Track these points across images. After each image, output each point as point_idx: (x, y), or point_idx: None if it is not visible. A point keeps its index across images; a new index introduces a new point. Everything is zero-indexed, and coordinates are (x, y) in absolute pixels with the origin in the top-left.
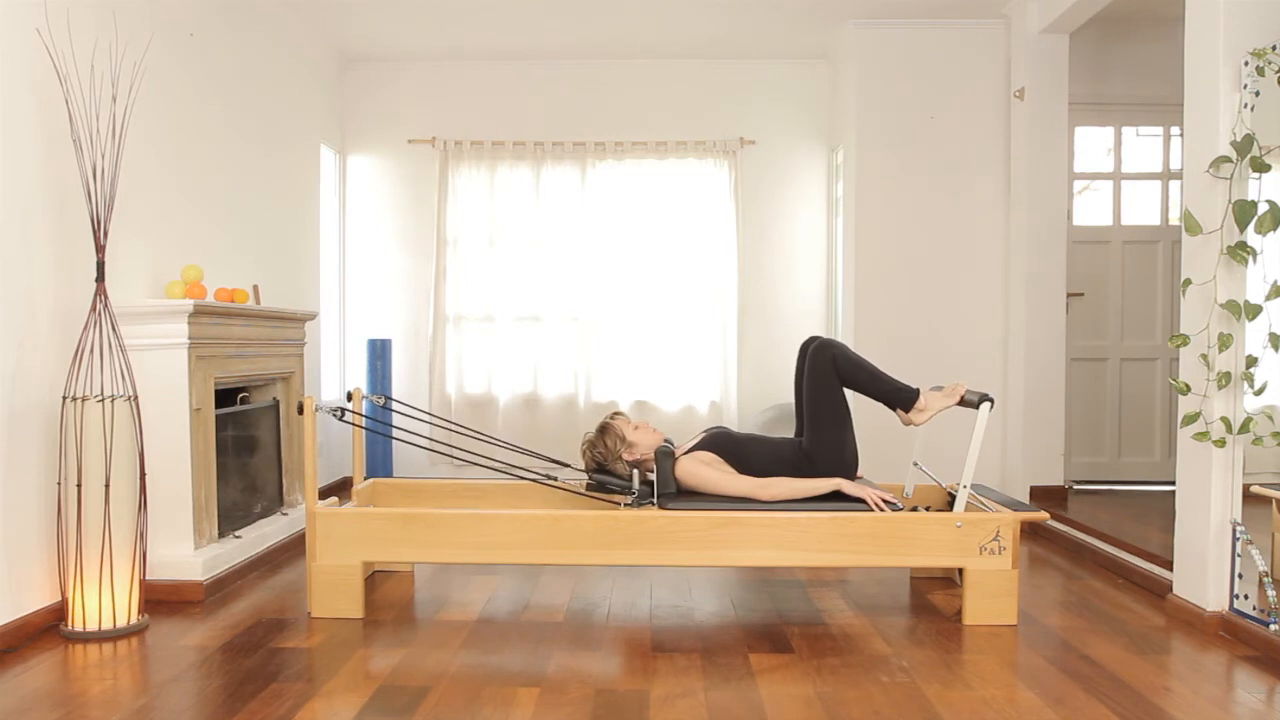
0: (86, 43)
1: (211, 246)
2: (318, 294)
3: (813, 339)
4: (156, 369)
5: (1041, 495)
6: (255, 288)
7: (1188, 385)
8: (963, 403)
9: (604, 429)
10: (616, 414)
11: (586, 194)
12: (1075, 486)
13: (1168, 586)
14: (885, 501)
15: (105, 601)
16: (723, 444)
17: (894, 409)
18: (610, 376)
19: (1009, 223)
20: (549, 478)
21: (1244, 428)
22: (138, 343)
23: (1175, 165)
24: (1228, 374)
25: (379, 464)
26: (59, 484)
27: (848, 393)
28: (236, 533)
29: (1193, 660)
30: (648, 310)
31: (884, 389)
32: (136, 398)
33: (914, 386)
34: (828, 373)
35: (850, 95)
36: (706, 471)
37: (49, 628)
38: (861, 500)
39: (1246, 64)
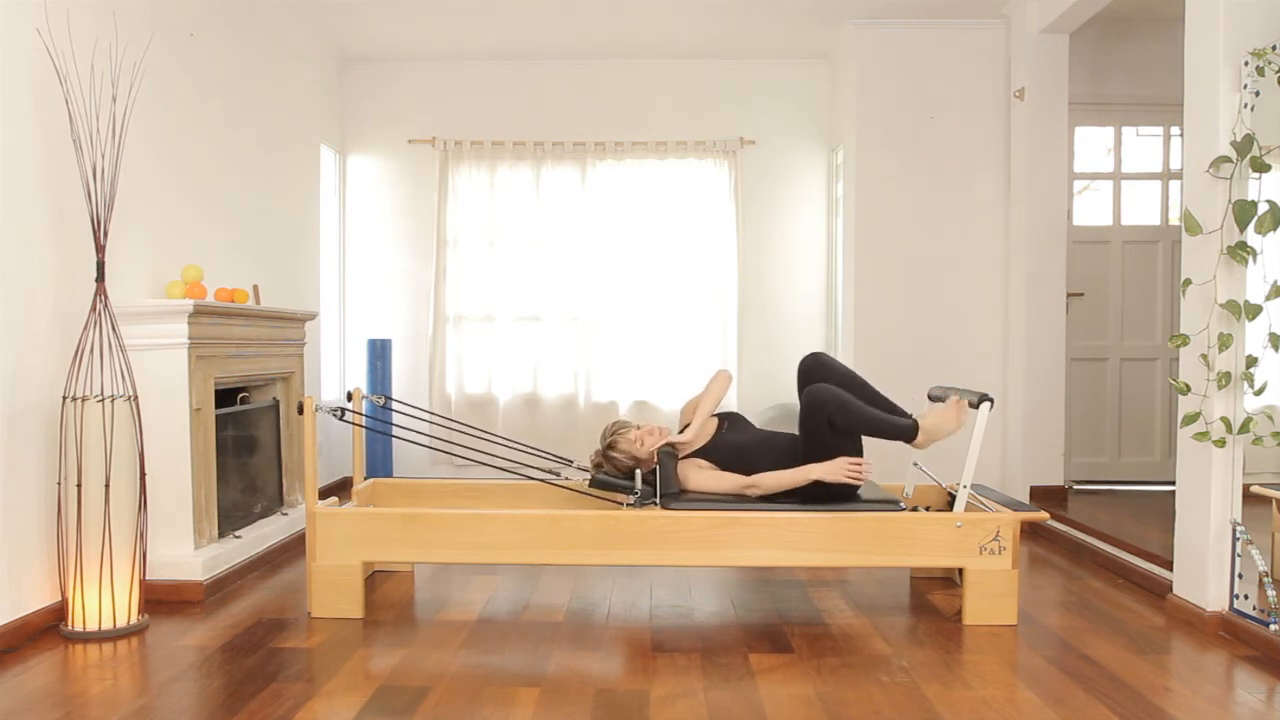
0: (86, 43)
1: (211, 246)
2: (318, 294)
3: (813, 367)
4: (156, 369)
5: (1041, 495)
6: (255, 288)
7: (1188, 385)
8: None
9: (611, 448)
10: (620, 429)
11: (586, 194)
12: (1075, 486)
13: (1168, 586)
14: (856, 470)
15: (105, 601)
16: (724, 457)
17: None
18: (610, 376)
19: (1009, 223)
20: (553, 474)
21: (1244, 428)
22: (138, 343)
23: (1175, 165)
24: (1228, 374)
25: (379, 464)
26: (59, 484)
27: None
28: (236, 533)
29: (1193, 660)
30: (648, 310)
31: (883, 432)
32: (136, 398)
33: (910, 421)
34: (820, 426)
35: (850, 95)
36: (698, 476)
37: (49, 628)
38: (844, 483)
39: (1246, 64)
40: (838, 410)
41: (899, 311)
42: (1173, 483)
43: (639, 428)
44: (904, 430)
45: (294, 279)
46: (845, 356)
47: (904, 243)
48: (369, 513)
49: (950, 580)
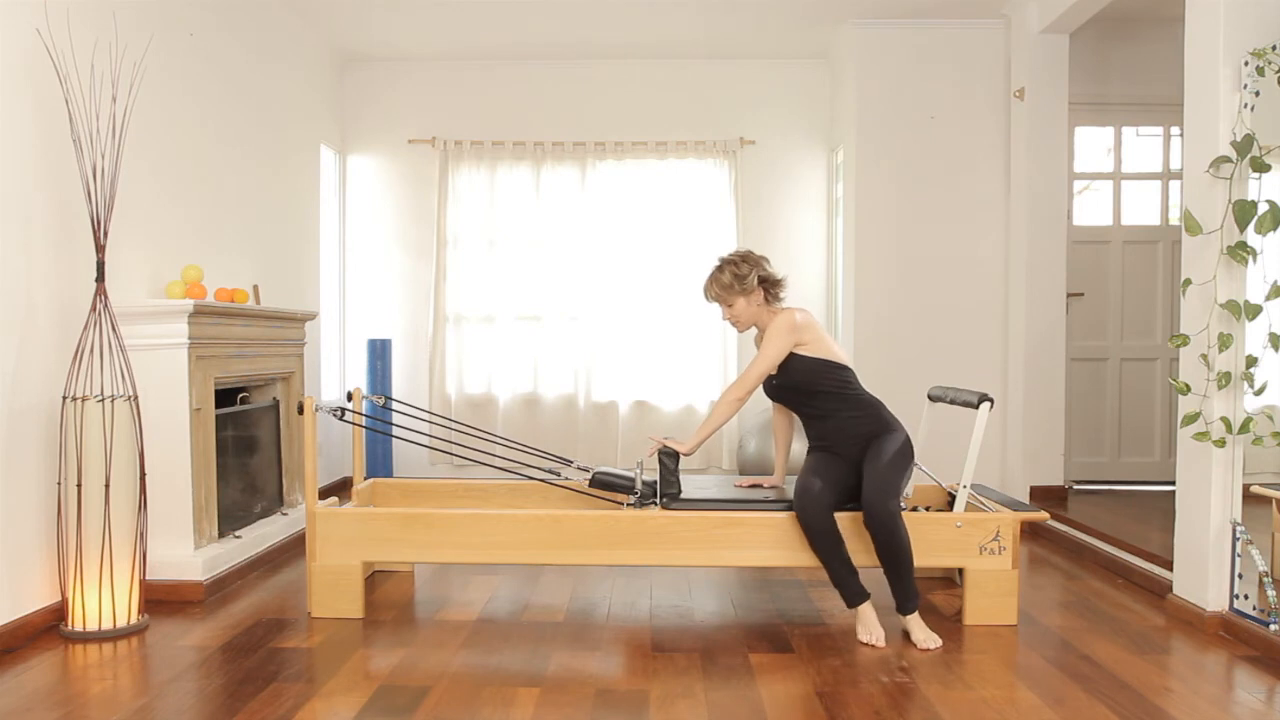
0: (86, 43)
1: (211, 246)
2: (318, 294)
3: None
4: (156, 369)
5: (1041, 495)
6: (255, 288)
7: (1188, 385)
8: (963, 403)
9: (749, 258)
10: (728, 290)
11: (586, 194)
12: (1075, 486)
13: (1168, 586)
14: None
15: (105, 601)
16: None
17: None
18: (610, 376)
19: (1009, 223)
20: (553, 474)
21: (1244, 428)
22: (138, 343)
23: (1175, 165)
24: (1228, 374)
25: (379, 464)
26: (59, 484)
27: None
28: (236, 533)
29: (1193, 660)
30: (648, 310)
31: (832, 578)
32: (136, 398)
33: (861, 591)
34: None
35: (850, 95)
36: (772, 346)
37: (49, 628)
38: None
39: (1246, 64)
40: (811, 535)
41: (899, 311)
42: (1173, 483)
43: (732, 306)
44: (843, 594)
45: (294, 279)
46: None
47: (904, 243)
48: (369, 513)
49: (950, 580)
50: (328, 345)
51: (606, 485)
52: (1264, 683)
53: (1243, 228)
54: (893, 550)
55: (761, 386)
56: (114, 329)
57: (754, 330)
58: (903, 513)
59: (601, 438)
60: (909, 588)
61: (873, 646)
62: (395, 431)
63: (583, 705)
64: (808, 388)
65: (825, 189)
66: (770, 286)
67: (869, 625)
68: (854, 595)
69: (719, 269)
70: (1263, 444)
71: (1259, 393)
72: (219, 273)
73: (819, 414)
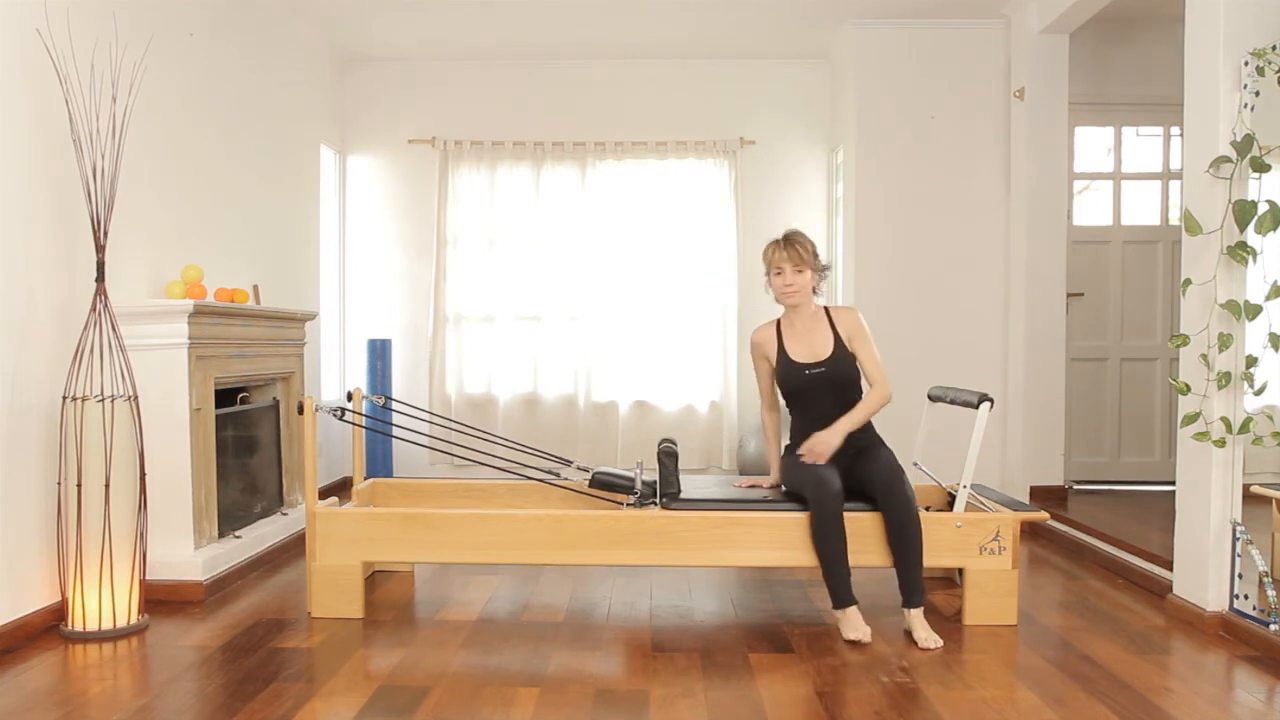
0: (86, 43)
1: (211, 246)
2: (318, 294)
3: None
4: (156, 369)
5: (1041, 495)
6: (255, 288)
7: (1188, 385)
8: (963, 403)
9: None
10: (779, 263)
11: (586, 194)
12: (1075, 486)
13: (1168, 586)
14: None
15: (105, 601)
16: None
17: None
18: (610, 376)
19: (1009, 223)
20: (553, 474)
21: (1244, 428)
22: (138, 343)
23: (1175, 165)
24: (1228, 374)
25: (379, 464)
26: (59, 484)
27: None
28: (236, 533)
29: (1193, 660)
30: (648, 310)
31: (824, 574)
32: (136, 398)
33: (850, 596)
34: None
35: (850, 95)
36: (872, 340)
37: (49, 628)
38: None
39: (1246, 64)
40: (827, 529)
41: (899, 312)
42: (1173, 483)
43: (802, 274)
44: (836, 594)
45: (294, 279)
46: None
47: (904, 243)
48: (369, 513)
49: (950, 580)
50: (328, 345)
51: (606, 485)
52: (1264, 683)
53: (1243, 228)
54: (909, 534)
55: (788, 375)
56: (114, 329)
57: (750, 330)
58: None
59: (601, 438)
60: (918, 579)
61: (859, 643)
62: (395, 431)
63: (583, 705)
64: (844, 384)
65: (825, 189)
66: (824, 277)
67: (857, 625)
68: (846, 596)
69: (802, 237)
70: (1263, 444)
71: (1259, 393)
72: (219, 273)
73: (832, 418)
